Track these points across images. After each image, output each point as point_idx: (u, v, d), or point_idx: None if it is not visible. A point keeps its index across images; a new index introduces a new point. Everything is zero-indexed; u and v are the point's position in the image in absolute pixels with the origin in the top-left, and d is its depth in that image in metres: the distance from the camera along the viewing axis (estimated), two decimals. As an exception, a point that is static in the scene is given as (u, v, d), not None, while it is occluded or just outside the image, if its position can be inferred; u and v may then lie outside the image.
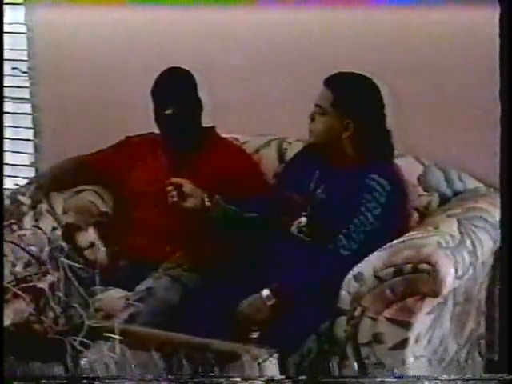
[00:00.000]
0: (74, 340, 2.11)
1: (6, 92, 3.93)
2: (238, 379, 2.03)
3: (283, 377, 2.09)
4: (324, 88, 2.85)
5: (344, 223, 2.72)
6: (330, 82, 2.85)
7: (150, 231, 3.14)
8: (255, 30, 3.46)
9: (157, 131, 3.24)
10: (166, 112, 3.11)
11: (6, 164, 3.95)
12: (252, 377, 2.06)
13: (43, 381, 2.05)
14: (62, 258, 2.19)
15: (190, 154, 3.20)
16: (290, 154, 3.26)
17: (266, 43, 3.46)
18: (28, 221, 2.25)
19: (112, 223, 3.28)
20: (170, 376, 2.07)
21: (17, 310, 2.14)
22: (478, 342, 3.00)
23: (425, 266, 2.55)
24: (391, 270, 2.59)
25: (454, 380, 2.13)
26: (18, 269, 2.18)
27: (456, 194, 3.13)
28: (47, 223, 2.27)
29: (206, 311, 2.71)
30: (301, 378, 2.11)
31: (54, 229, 2.22)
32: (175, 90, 3.13)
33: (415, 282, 2.56)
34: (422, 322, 2.63)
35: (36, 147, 4.09)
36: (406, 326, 2.58)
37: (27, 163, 4.07)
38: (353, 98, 2.84)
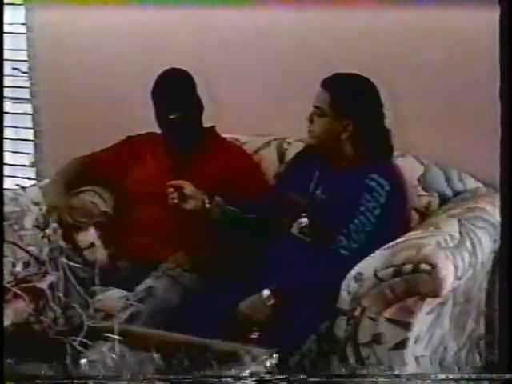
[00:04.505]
0: (74, 340, 2.11)
1: (6, 92, 3.93)
2: (230, 379, 2.03)
3: (276, 376, 2.08)
4: (321, 89, 2.85)
5: (344, 223, 2.72)
6: (327, 83, 2.85)
7: (151, 231, 3.13)
8: (255, 30, 3.46)
9: (157, 131, 3.24)
10: (171, 117, 3.11)
11: (6, 164, 3.96)
12: (244, 376, 2.06)
13: (43, 381, 2.05)
14: (62, 258, 2.18)
15: (190, 154, 3.20)
16: (290, 154, 3.26)
17: (265, 43, 3.46)
18: (28, 221, 2.25)
19: (112, 223, 3.28)
20: (169, 376, 2.07)
21: (17, 310, 2.14)
22: (478, 342, 3.00)
23: (425, 267, 2.55)
24: (391, 270, 2.59)
25: (453, 380, 2.13)
26: (18, 269, 2.18)
27: (456, 194, 3.13)
28: (47, 223, 2.27)
29: (206, 311, 2.71)
30: (293, 378, 2.10)
31: (54, 229, 2.22)
32: (175, 92, 3.13)
33: (415, 283, 2.56)
34: (421, 322, 2.63)
35: (36, 147, 4.09)
36: (406, 326, 2.58)
37: (27, 163, 4.08)
38: (351, 98, 2.84)
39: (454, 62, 3.16)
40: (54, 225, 2.24)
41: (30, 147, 4.10)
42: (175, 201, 2.88)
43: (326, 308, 2.67)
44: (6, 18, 3.80)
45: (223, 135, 3.31)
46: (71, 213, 3.04)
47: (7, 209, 2.43)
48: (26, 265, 2.19)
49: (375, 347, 2.61)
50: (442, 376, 2.15)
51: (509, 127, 1.88)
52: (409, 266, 2.57)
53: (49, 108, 3.99)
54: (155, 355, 2.12)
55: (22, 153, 4.11)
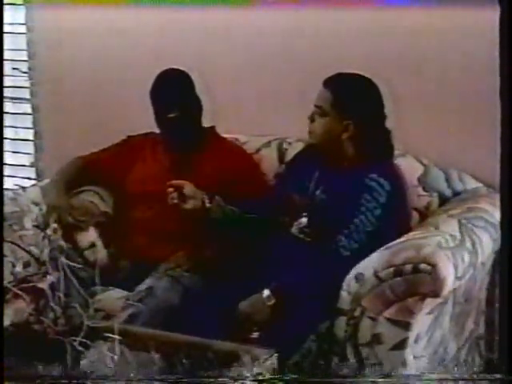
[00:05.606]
0: (74, 340, 2.11)
1: (6, 92, 3.93)
2: (227, 379, 2.03)
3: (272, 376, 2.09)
4: (323, 89, 2.85)
5: (344, 223, 2.72)
6: (329, 82, 2.85)
7: (151, 231, 3.13)
8: (255, 30, 3.46)
9: (157, 130, 3.24)
10: (170, 116, 3.12)
11: (6, 164, 3.96)
12: (242, 376, 2.06)
13: (43, 381, 2.05)
14: (62, 258, 2.18)
15: (190, 154, 3.20)
16: (290, 154, 3.26)
17: (265, 43, 3.46)
18: (28, 221, 2.25)
19: (112, 223, 3.28)
20: (169, 376, 2.07)
21: (17, 310, 2.14)
22: (478, 342, 3.00)
23: (425, 267, 2.55)
24: (391, 270, 2.59)
25: (453, 380, 2.13)
26: (18, 269, 2.18)
27: (456, 194, 3.13)
28: (47, 223, 2.27)
29: (206, 311, 2.71)
30: (287, 377, 2.10)
31: (54, 229, 2.22)
32: (174, 92, 3.13)
33: (415, 283, 2.56)
34: (421, 322, 2.63)
35: (36, 147, 4.09)
36: (406, 326, 2.58)
37: (27, 163, 4.08)
38: (352, 98, 2.84)
39: (453, 61, 3.16)
40: (54, 225, 2.24)
41: (30, 147, 4.10)
42: (175, 201, 2.88)
43: (326, 308, 2.67)
44: (6, 18, 3.80)
45: (223, 135, 3.31)
46: (71, 213, 3.04)
47: (7, 209, 2.43)
48: (26, 265, 2.19)
49: (375, 347, 2.60)
50: (442, 376, 2.15)
51: (509, 127, 1.88)
52: (409, 266, 2.57)
53: (49, 108, 3.99)
54: (155, 355, 2.12)
55: (21, 153, 4.11)
